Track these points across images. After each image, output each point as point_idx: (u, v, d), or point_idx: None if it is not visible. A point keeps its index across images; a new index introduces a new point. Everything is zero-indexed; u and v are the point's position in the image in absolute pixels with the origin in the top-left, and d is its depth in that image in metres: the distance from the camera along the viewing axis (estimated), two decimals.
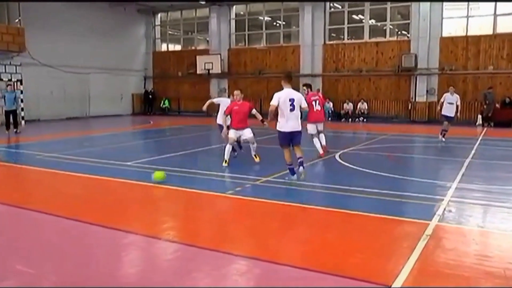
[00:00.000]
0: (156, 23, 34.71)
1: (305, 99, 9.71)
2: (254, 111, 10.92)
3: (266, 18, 30.80)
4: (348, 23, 27.80)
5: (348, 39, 27.99)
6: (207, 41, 32.71)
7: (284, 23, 30.36)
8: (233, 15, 31.38)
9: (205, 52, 31.75)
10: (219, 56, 30.60)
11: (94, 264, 4.99)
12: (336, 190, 8.25)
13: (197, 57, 31.26)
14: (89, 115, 29.16)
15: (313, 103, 11.88)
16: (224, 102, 11.93)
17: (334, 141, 17.40)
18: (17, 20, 24.92)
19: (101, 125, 23.16)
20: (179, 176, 9.70)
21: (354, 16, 28.10)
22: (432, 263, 4.90)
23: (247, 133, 10.97)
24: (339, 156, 12.29)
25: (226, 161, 10.74)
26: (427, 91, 25.65)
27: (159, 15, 34.57)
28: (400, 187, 8.70)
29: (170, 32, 35.18)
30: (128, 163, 11.30)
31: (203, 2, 30.21)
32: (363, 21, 27.66)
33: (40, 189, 9.17)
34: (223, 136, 11.42)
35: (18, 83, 24.25)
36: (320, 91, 26.76)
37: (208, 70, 30.49)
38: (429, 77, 25.70)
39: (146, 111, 33.06)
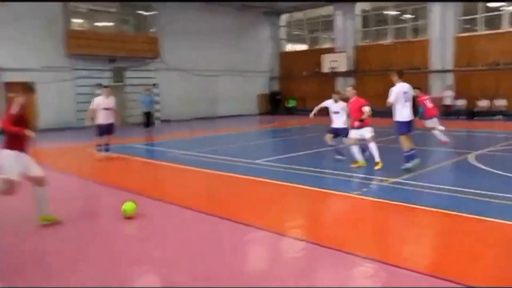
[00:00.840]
0: (281, 24, 35.22)
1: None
2: (364, 108, 10.26)
3: (393, 13, 29.77)
4: (483, 12, 25.80)
5: (484, 29, 26.03)
6: (332, 39, 32.48)
7: (412, 16, 29.10)
8: (358, 12, 30.79)
9: (331, 50, 31.55)
10: (344, 54, 30.21)
11: (224, 256, 5.25)
12: (468, 194, 7.71)
13: (322, 55, 31.16)
14: (217, 116, 30.43)
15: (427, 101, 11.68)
16: (328, 104, 11.39)
17: (467, 141, 16.43)
18: (152, 30, 26.96)
19: (228, 125, 24.02)
20: (306, 175, 9.77)
21: (489, 4, 25.99)
22: None
23: (366, 133, 10.40)
24: (474, 157, 11.51)
25: (357, 161, 10.47)
26: None
27: (283, 16, 35.04)
28: None
29: (295, 32, 35.51)
30: (256, 161, 11.66)
31: (324, 1, 30.08)
32: (501, 8, 25.53)
33: (173, 184, 9.84)
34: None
35: (153, 86, 26.14)
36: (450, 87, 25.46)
37: (334, 68, 30.27)
38: None
39: (272, 111, 33.69)
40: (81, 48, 23.86)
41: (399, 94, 9.52)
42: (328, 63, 30.53)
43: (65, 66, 24.08)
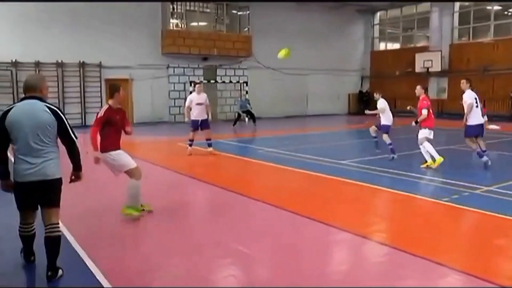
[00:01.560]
0: (375, 22, 34.49)
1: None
2: (422, 110, 10.71)
3: (496, 8, 28.06)
4: None
5: None
6: (427, 37, 31.30)
7: None
8: (456, 8, 29.38)
9: (425, 49, 30.40)
10: (439, 53, 28.95)
11: (306, 256, 5.30)
12: None
13: (416, 54, 30.08)
14: (307, 114, 30.40)
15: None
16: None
17: None
18: (246, 29, 27.47)
19: (318, 124, 23.95)
20: (393, 178, 9.58)
21: None
22: None
23: (420, 134, 10.81)
24: None
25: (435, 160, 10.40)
26: None
27: (378, 14, 34.29)
28: None
29: (389, 30, 34.62)
30: (343, 162, 11.57)
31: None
32: None
33: (260, 180, 10.05)
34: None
35: (244, 84, 26.81)
36: None
37: (427, 68, 29.14)
38: None
39: (362, 110, 33.03)
40: (176, 46, 24.86)
41: (472, 98, 10.29)
42: (422, 62, 29.44)
43: (161, 64, 25.23)
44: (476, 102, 10.36)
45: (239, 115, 23.67)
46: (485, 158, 10.35)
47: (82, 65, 22.91)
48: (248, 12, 27.48)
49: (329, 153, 13.15)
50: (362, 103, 33.25)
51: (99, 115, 6.59)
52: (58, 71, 22.35)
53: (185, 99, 14.79)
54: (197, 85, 13.50)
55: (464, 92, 10.48)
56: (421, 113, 10.72)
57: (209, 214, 7.20)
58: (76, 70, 22.87)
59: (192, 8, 26.18)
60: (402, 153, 12.88)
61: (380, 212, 7.36)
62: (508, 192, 8.13)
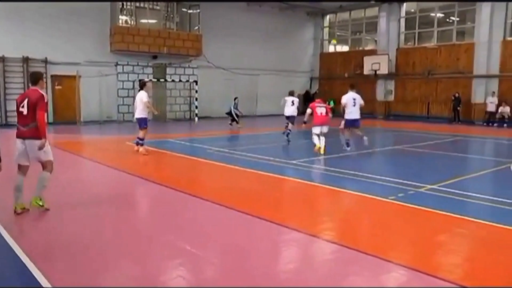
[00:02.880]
0: (325, 25, 35.02)
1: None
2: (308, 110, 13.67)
3: (439, 15, 29.11)
4: None
5: None
6: (375, 41, 32.08)
7: (458, 19, 28.33)
8: (403, 13, 30.26)
9: (373, 52, 31.16)
10: (387, 56, 29.76)
11: (255, 255, 5.28)
12: (508, 205, 7.43)
13: (364, 57, 30.79)
14: (256, 114, 30.47)
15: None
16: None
17: (510, 151, 16.04)
18: (196, 28, 27.28)
19: (267, 124, 24.06)
20: (342, 178, 9.71)
21: None
22: None
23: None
24: None
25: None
26: None
27: (327, 16, 34.84)
28: None
29: (338, 33, 35.22)
30: (293, 162, 11.68)
31: (373, 1, 29.65)
32: None
33: (209, 180, 9.92)
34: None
35: (194, 83, 26.62)
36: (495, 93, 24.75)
37: (375, 71, 29.88)
38: None
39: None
40: (125, 44, 24.36)
41: (349, 99, 13.43)
42: (370, 65, 30.18)
43: (109, 61, 24.67)
44: (354, 102, 13.37)
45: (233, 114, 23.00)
46: (349, 148, 13.44)
47: (26, 60, 22.05)
48: (198, 10, 27.25)
49: (279, 153, 13.25)
50: (309, 102, 33.63)
51: (45, 100, 6.63)
52: None
53: (134, 97, 14.85)
54: (148, 83, 13.46)
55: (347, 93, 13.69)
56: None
57: (157, 214, 7.08)
58: (20, 66, 22.02)
59: (141, 5, 25.72)
60: (350, 153, 13.12)
61: (329, 211, 7.44)
62: (450, 190, 8.41)
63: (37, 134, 6.50)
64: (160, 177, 9.76)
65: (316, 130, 13.21)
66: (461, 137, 18.98)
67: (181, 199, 7.88)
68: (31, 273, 4.57)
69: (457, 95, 25.86)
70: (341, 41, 35.31)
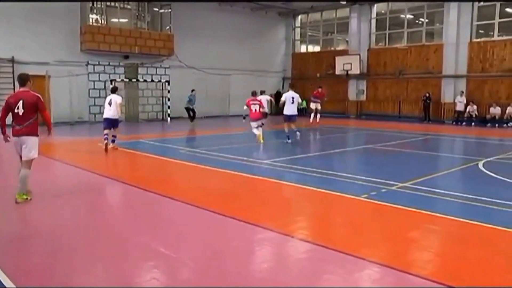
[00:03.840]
0: (296, 25, 35.16)
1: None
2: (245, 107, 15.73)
3: (408, 16, 29.54)
4: (499, 18, 25.30)
5: (498, 35, 25.56)
6: (347, 41, 32.37)
7: (427, 20, 28.81)
8: (374, 14, 30.61)
9: (344, 52, 31.44)
10: (358, 56, 30.09)
11: (229, 256, 5.25)
12: (476, 202, 7.64)
13: (336, 58, 31.04)
14: (229, 114, 30.40)
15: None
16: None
17: (477, 148, 16.39)
18: (168, 27, 27.10)
19: (240, 124, 24.06)
20: (315, 177, 9.75)
21: (508, 9, 25.62)
22: None
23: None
24: (483, 164, 11.40)
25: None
26: None
27: (299, 17, 34.99)
28: None
29: (309, 33, 35.44)
30: (266, 161, 11.70)
31: (343, 2, 29.91)
32: None
33: (182, 181, 9.86)
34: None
35: (166, 83, 26.42)
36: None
37: (347, 71, 30.16)
38: None
39: (279, 111, 33.17)
40: (96, 43, 24.01)
41: (289, 97, 15.56)
42: (342, 65, 30.45)
43: (80, 60, 24.27)
44: (292, 100, 15.53)
45: (191, 110, 23.76)
46: (290, 140, 15.25)
47: None
48: (170, 10, 27.02)
49: (252, 153, 13.24)
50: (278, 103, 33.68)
51: (42, 100, 7.44)
52: None
53: (106, 97, 14.98)
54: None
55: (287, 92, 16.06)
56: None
57: (129, 215, 7.00)
58: None
59: (112, 4, 25.39)
60: (323, 153, 13.23)
61: (302, 210, 7.46)
62: (421, 187, 8.56)
63: (32, 131, 7.25)
64: (132, 178, 9.67)
65: (253, 124, 15.48)
66: (431, 135, 19.33)
67: (154, 200, 7.80)
68: None
69: (427, 94, 26.32)
70: (312, 41, 35.56)
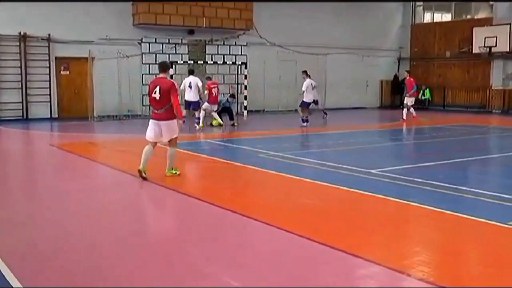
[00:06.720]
0: None
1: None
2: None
3: None
4: None
5: None
6: (491, 6, 31.25)
7: None
8: None
9: (487, 22, 30.42)
10: (508, 27, 28.84)
11: None
12: None
13: (475, 29, 30.12)
14: (325, 108, 30.16)
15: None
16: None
17: None
18: None
19: (338, 121, 23.96)
20: (439, 193, 9.57)
21: None
22: None
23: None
24: None
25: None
26: None
27: None
28: None
29: None
30: (371, 171, 11.58)
31: None
32: None
33: (264, 195, 9.97)
34: None
35: (243, 66, 25.98)
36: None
37: (490, 47, 29.10)
38: None
39: (397, 103, 32.47)
40: (152, 15, 24.67)
41: (309, 85, 21.41)
42: (482, 40, 29.44)
43: (131, 38, 25.07)
44: (313, 87, 21.72)
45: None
46: (306, 124, 20.89)
47: (24, 38, 22.72)
48: None
49: (353, 160, 13.05)
50: (400, 92, 32.97)
51: (177, 86, 10.44)
52: None
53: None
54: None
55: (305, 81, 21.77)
56: None
57: (197, 239, 7.16)
58: (16, 46, 22.71)
59: None
60: (451, 161, 12.89)
61: (422, 237, 7.28)
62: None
63: (170, 116, 10.17)
64: (197, 190, 9.88)
65: (213, 107, 20.39)
66: None
67: (225, 217, 7.99)
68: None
69: None
70: (440, 7, 34.61)
